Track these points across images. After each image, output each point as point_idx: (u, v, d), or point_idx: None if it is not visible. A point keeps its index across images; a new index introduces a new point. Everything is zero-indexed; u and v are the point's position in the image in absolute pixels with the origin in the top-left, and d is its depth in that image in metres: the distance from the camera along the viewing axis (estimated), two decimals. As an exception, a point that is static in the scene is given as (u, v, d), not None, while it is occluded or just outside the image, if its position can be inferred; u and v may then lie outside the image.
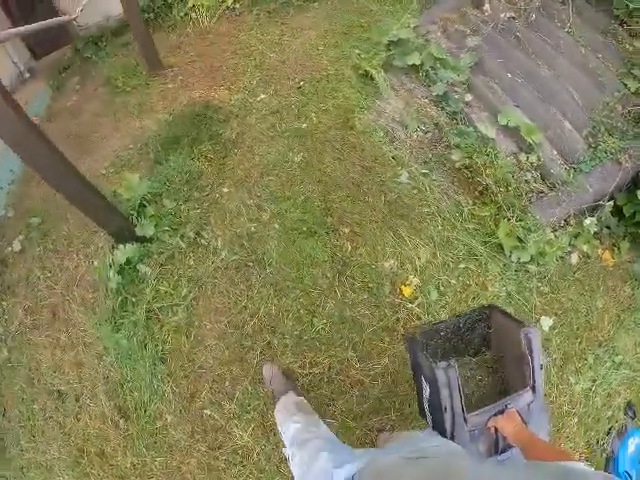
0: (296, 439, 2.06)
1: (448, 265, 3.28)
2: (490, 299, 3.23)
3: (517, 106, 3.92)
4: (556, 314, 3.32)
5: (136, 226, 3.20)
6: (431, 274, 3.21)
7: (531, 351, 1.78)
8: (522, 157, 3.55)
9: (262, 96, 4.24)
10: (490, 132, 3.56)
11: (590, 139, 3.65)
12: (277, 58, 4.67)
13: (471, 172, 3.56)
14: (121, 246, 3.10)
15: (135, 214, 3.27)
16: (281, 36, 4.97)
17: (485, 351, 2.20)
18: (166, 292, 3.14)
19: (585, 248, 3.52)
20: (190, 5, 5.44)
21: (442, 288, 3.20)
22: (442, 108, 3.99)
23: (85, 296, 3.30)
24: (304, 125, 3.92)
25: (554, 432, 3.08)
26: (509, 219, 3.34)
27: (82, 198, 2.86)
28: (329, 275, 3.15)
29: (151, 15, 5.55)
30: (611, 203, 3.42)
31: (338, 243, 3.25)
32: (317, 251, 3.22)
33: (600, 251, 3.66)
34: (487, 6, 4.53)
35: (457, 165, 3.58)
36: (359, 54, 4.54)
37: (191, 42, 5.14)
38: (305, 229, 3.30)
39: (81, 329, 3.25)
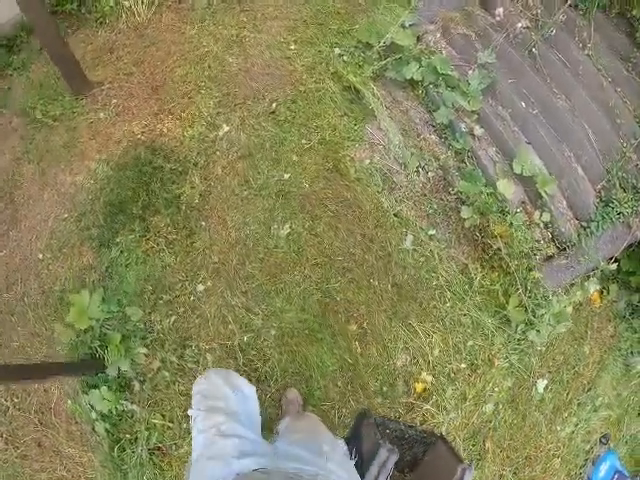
0: (206, 400, 1.34)
1: (458, 347, 2.53)
2: (495, 375, 2.61)
3: (529, 143, 2.78)
4: (550, 372, 2.78)
5: (104, 361, 2.11)
6: (443, 365, 2.47)
7: None
8: (535, 215, 2.57)
9: (225, 128, 2.70)
10: (507, 190, 2.52)
11: (603, 192, 2.70)
12: (238, 65, 2.95)
13: (481, 233, 2.62)
14: (94, 392, 2.06)
15: (97, 345, 2.14)
16: (240, 30, 3.11)
17: (407, 473, 1.81)
18: (163, 425, 2.24)
19: (579, 298, 2.87)
20: None
21: (452, 375, 2.51)
22: (445, 138, 2.77)
23: (69, 428, 2.34)
24: (286, 175, 2.60)
25: (540, 472, 2.80)
26: (520, 294, 2.55)
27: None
28: (340, 384, 2.33)
29: (73, 6, 3.30)
30: (615, 266, 2.69)
31: (346, 345, 2.35)
32: (324, 359, 2.32)
33: (589, 294, 3.04)
34: (500, 10, 2.95)
35: (466, 224, 2.61)
36: (342, 57, 2.99)
37: (125, 42, 3.14)
38: (307, 333, 2.34)
39: (76, 461, 2.36)
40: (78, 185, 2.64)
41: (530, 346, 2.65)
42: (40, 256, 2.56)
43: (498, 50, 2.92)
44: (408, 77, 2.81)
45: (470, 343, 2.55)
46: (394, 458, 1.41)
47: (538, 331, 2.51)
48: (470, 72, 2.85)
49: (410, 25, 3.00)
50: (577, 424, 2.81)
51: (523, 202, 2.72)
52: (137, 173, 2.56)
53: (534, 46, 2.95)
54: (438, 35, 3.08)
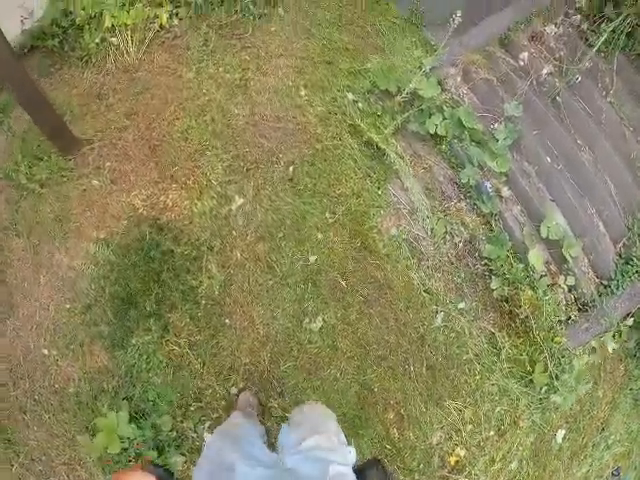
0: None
1: (487, 416, 2.25)
2: (520, 434, 2.37)
3: (553, 200, 2.39)
4: (567, 422, 2.58)
5: None
6: (474, 437, 2.20)
7: None
8: (560, 279, 2.24)
9: (239, 201, 2.14)
10: (537, 260, 2.17)
11: (623, 250, 2.39)
12: (245, 117, 2.35)
13: (508, 301, 2.29)
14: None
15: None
16: (244, 72, 2.50)
17: None
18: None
19: (598, 359, 2.63)
20: (107, 25, 2.52)
21: (482, 443, 2.25)
22: (469, 197, 2.33)
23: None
24: (312, 258, 2.10)
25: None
26: (545, 361, 2.28)
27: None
28: (378, 471, 2.06)
29: (55, 42, 2.52)
30: (631, 321, 2.44)
31: (384, 434, 2.02)
32: (363, 448, 1.99)
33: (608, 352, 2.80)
34: (524, 55, 2.48)
35: (495, 294, 2.27)
36: (357, 104, 2.44)
37: (115, 87, 2.46)
38: (346, 427, 1.99)
39: None
40: (77, 270, 2.07)
41: (551, 403, 2.45)
42: (45, 352, 2.03)
43: (523, 99, 2.50)
44: (432, 131, 2.36)
45: (498, 409, 2.29)
46: None
47: (564, 398, 2.28)
48: (496, 125, 2.43)
49: (430, 69, 2.51)
50: (591, 464, 2.66)
51: (547, 262, 2.41)
52: (144, 259, 2.01)
53: (558, 94, 2.52)
54: (459, 79, 2.59)
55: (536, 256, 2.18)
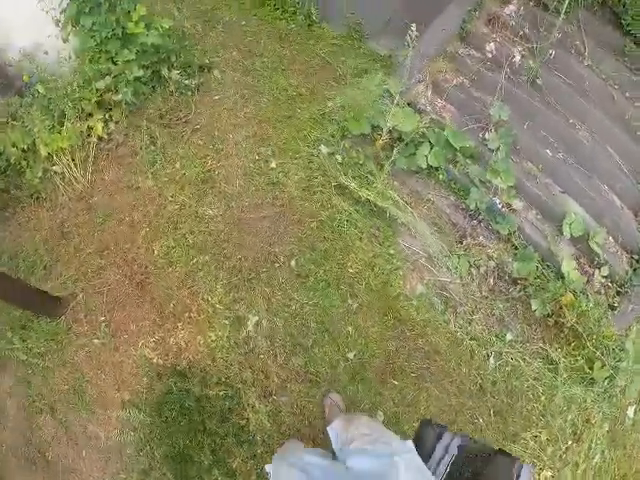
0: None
1: (562, 429, 1.96)
2: (595, 429, 2.12)
3: (564, 192, 1.99)
4: (634, 397, 2.34)
5: None
6: (556, 455, 1.91)
7: (519, 476, 1.15)
8: (595, 273, 1.89)
9: (253, 319, 1.73)
10: (571, 270, 1.82)
11: None
12: (224, 218, 1.90)
13: (552, 316, 1.96)
14: None
15: None
16: (203, 161, 2.03)
17: None
18: None
19: None
20: (44, 155, 2.02)
21: (564, 456, 1.97)
22: (482, 220, 1.92)
23: None
24: (350, 355, 1.71)
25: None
26: (601, 358, 1.99)
27: None
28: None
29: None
30: None
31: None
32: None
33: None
34: (492, 46, 1.98)
35: (537, 314, 1.94)
36: (334, 157, 1.97)
37: (76, 222, 1.99)
38: None
39: None
40: (117, 439, 1.71)
41: (617, 389, 2.20)
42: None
43: (503, 95, 2.07)
44: (423, 165, 1.94)
45: (569, 418, 2.02)
46: (457, 441, 1.16)
47: (631, 382, 2.01)
48: (487, 135, 2.00)
49: (399, 93, 2.05)
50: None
51: (577, 258, 2.08)
52: (180, 412, 1.65)
53: (537, 76, 2.08)
54: (430, 94, 2.12)
55: (568, 265, 1.85)
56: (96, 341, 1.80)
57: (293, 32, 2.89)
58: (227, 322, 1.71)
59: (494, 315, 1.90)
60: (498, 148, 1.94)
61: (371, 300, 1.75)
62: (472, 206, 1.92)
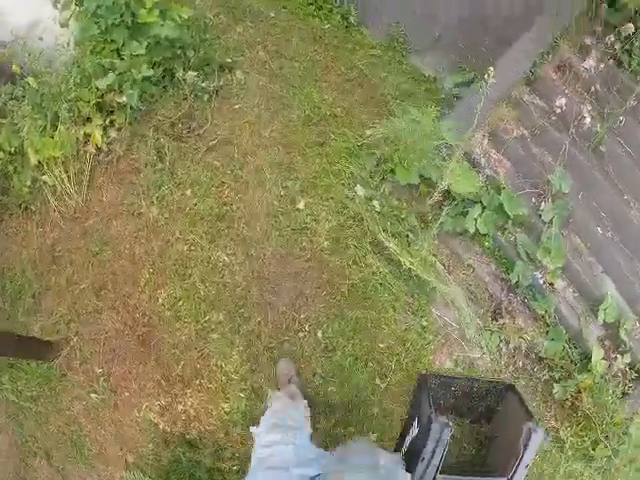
0: (269, 420, 1.09)
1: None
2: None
3: (604, 272, 1.66)
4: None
5: None
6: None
7: (526, 447, 1.16)
8: (617, 359, 1.61)
9: (272, 393, 1.33)
10: (597, 356, 1.51)
11: None
12: (241, 265, 1.44)
13: (569, 399, 1.72)
14: None
15: None
16: (219, 191, 1.53)
17: (483, 423, 1.45)
18: None
19: None
20: (34, 163, 1.46)
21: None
22: (519, 293, 1.58)
23: None
24: (373, 437, 1.39)
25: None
26: (606, 440, 1.80)
27: None
28: None
29: None
30: None
31: None
32: None
33: None
34: (562, 101, 1.53)
35: (556, 397, 1.68)
36: (371, 204, 1.53)
37: (68, 245, 1.50)
38: None
39: None
40: None
41: (613, 466, 2.02)
42: None
43: (566, 159, 1.66)
44: (471, 230, 1.54)
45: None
46: (447, 433, 1.09)
47: (626, 465, 1.85)
48: (543, 205, 1.60)
49: (460, 146, 1.57)
50: None
51: (603, 340, 1.84)
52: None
53: (601, 142, 1.66)
54: (486, 143, 1.68)
55: (597, 354, 1.57)
56: (94, 395, 1.42)
57: (328, 33, 2.28)
58: (243, 395, 1.35)
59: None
60: (551, 220, 1.59)
61: (400, 380, 1.43)
62: (514, 280, 1.58)
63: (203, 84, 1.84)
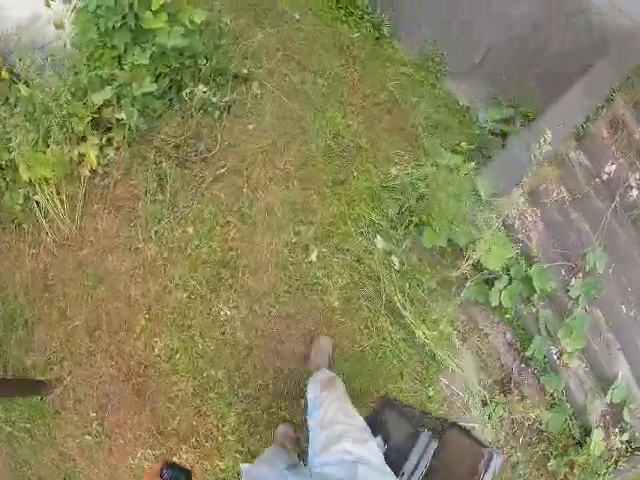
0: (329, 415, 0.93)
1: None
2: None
3: (620, 349, 1.46)
4: None
5: None
6: None
7: (486, 470, 0.95)
8: (616, 436, 1.46)
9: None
10: (598, 437, 1.35)
11: None
12: (244, 320, 1.22)
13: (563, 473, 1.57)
14: None
15: None
16: (224, 229, 1.27)
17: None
18: None
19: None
20: (24, 179, 1.18)
21: None
22: (531, 366, 1.40)
23: None
24: None
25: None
26: None
27: None
28: None
29: None
30: None
31: None
32: None
33: None
34: (612, 168, 1.27)
35: (549, 469, 1.46)
36: (390, 258, 1.29)
37: (61, 275, 1.26)
38: None
39: None
40: None
41: None
42: None
43: (605, 232, 1.39)
44: (494, 303, 1.31)
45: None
46: (434, 445, 0.96)
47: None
48: (573, 281, 1.36)
49: (488, 198, 1.28)
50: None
51: (604, 415, 1.68)
52: None
53: None
54: (521, 202, 1.39)
55: (598, 436, 1.41)
56: (88, 437, 1.28)
57: (356, 44, 1.87)
58: (240, 457, 1.20)
59: (509, 461, 1.55)
60: (578, 297, 1.37)
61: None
62: (529, 353, 1.41)
63: (214, 99, 1.52)
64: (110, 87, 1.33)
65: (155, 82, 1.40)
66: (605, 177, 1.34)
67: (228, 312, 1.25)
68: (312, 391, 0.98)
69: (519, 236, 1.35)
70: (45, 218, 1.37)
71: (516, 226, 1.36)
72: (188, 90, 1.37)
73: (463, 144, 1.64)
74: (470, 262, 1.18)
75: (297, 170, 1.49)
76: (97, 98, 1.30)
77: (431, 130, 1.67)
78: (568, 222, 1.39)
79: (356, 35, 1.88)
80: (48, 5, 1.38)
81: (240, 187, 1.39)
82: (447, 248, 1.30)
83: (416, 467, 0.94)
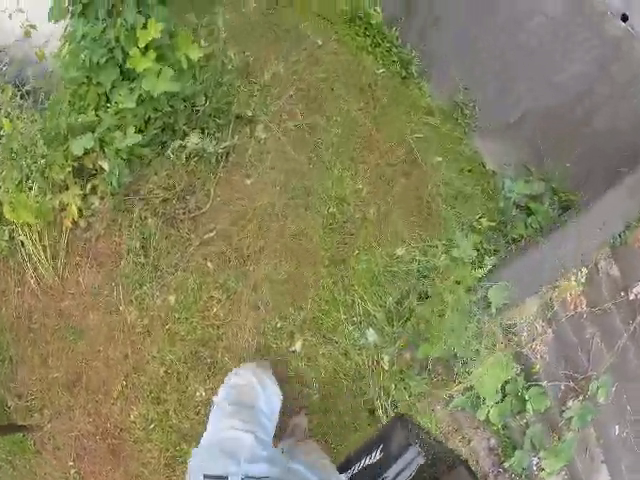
0: (233, 394, 0.88)
1: None
2: None
3: (604, 462, 1.24)
4: None
5: None
6: None
7: None
8: None
9: None
10: None
11: None
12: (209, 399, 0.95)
13: None
14: None
15: None
16: (207, 304, 1.09)
17: None
18: None
19: None
20: (7, 217, 1.01)
21: None
22: (507, 469, 1.19)
23: None
24: None
25: None
26: None
27: None
28: None
29: None
30: None
31: None
32: None
33: None
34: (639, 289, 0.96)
35: None
36: (383, 360, 1.09)
37: (45, 321, 1.11)
38: None
39: None
40: None
41: None
42: None
43: (619, 352, 1.16)
44: (481, 418, 1.14)
45: None
46: (420, 460, 0.97)
47: None
48: (570, 403, 1.17)
49: (497, 314, 1.05)
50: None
51: None
52: None
53: None
54: (535, 310, 1.14)
55: None
56: None
57: (380, 82, 1.53)
58: None
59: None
60: (571, 419, 1.19)
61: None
62: (507, 464, 1.25)
63: (211, 148, 1.26)
64: (92, 134, 1.09)
65: (145, 128, 1.15)
66: (632, 296, 1.10)
67: (204, 393, 1.14)
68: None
69: (524, 350, 1.15)
70: (29, 261, 1.22)
71: (523, 338, 1.16)
72: (176, 145, 1.12)
73: (483, 220, 1.37)
74: (462, 386, 0.99)
75: (293, 241, 1.27)
76: (77, 148, 1.08)
77: (450, 201, 1.39)
78: (580, 339, 1.18)
79: (381, 71, 1.54)
80: (28, 34, 1.10)
81: (228, 256, 1.20)
82: (442, 358, 1.11)
83: (398, 474, 0.95)
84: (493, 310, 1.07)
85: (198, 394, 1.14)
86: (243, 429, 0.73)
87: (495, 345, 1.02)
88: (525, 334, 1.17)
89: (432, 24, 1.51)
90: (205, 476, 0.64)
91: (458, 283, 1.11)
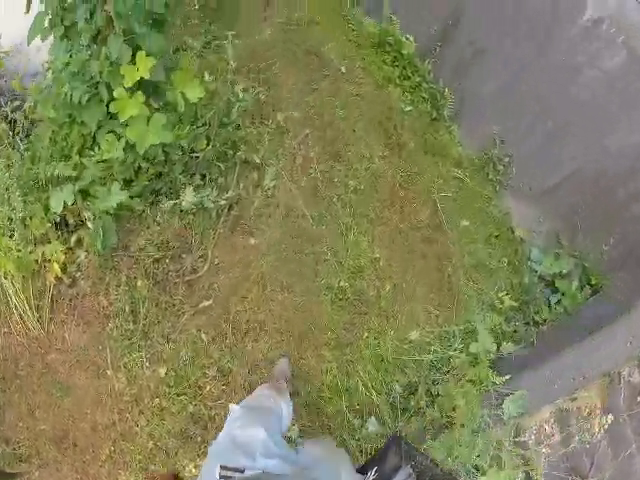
0: (249, 400, 0.88)
1: None
2: None
3: None
4: None
5: None
6: None
7: None
8: None
9: None
10: None
11: None
12: None
13: None
14: None
15: None
16: (197, 382, 0.92)
17: None
18: None
19: None
20: None
21: None
22: None
23: None
24: None
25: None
26: None
27: None
28: None
29: None
30: None
31: None
32: None
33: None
34: None
35: None
36: None
37: (31, 371, 0.95)
38: None
39: None
40: None
41: None
42: None
43: (625, 459, 1.03)
44: None
45: None
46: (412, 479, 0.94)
47: None
48: None
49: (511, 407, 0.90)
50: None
51: None
52: None
53: None
54: (547, 416, 0.99)
55: None
56: None
57: (407, 123, 1.28)
58: None
59: None
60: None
61: None
62: None
63: (211, 203, 1.03)
64: (73, 186, 0.86)
65: (135, 177, 0.92)
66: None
67: (193, 470, 1.04)
68: None
69: (527, 453, 1.03)
70: (15, 308, 1.05)
71: (530, 442, 1.03)
72: (168, 206, 0.89)
73: (506, 299, 1.19)
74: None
75: (297, 316, 1.09)
76: (56, 203, 0.87)
77: (473, 274, 1.20)
78: (590, 445, 1.05)
79: (408, 109, 1.27)
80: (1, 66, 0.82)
81: (225, 331, 1.03)
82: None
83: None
84: (505, 418, 0.95)
85: (187, 469, 1.03)
86: (256, 424, 0.69)
87: (502, 459, 0.91)
88: (533, 438, 1.06)
89: (470, 58, 1.20)
90: (222, 467, 0.60)
91: (473, 383, 0.98)
